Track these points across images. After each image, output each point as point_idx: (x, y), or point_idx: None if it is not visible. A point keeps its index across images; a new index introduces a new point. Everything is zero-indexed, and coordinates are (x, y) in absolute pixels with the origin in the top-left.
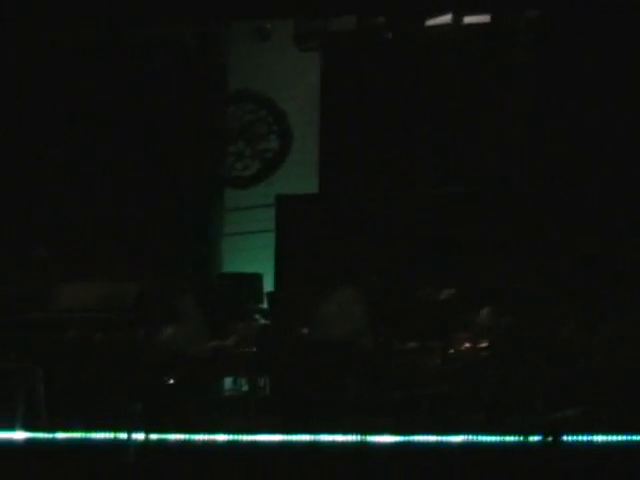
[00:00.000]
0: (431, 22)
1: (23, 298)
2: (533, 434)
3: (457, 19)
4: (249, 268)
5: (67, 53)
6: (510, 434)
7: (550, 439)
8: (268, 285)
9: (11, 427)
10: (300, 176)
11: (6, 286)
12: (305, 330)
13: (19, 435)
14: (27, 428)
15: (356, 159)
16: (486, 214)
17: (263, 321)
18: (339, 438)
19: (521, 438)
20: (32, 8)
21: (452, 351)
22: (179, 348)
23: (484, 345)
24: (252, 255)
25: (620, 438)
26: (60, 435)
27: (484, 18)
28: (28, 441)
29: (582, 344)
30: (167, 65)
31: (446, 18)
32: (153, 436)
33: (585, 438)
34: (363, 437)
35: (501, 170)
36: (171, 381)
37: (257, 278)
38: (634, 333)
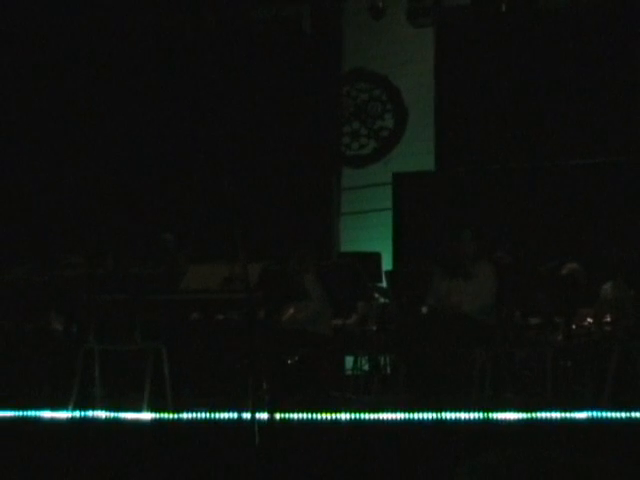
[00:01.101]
0: None
1: (150, 280)
2: None
3: None
4: (367, 247)
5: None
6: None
7: None
8: (386, 264)
9: (138, 408)
10: (416, 153)
11: (134, 269)
12: (429, 307)
13: (145, 416)
14: (153, 409)
15: (471, 135)
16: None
17: (382, 300)
18: (464, 415)
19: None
20: None
21: (575, 327)
22: (302, 327)
23: (607, 319)
24: (369, 234)
25: None
26: (185, 415)
27: None
28: (154, 422)
29: None
30: (284, 45)
31: None
32: (277, 416)
33: None
34: (487, 414)
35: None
36: (294, 360)
37: (376, 257)
38: None
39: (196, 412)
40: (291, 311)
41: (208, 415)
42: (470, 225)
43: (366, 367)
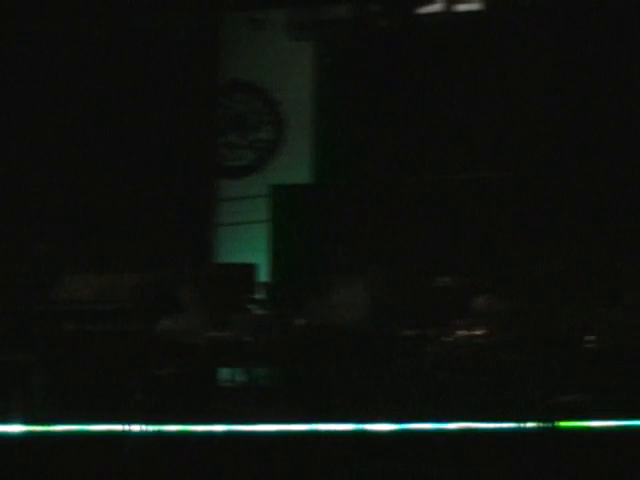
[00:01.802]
0: (425, 10)
1: (23, 290)
2: (530, 420)
3: (449, 6)
4: (242, 258)
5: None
6: (507, 420)
7: (546, 425)
8: (262, 276)
9: (9, 420)
10: (294, 166)
11: (6, 278)
12: (304, 319)
13: (17, 428)
14: (26, 421)
15: (350, 148)
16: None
17: (258, 311)
18: (338, 427)
19: (518, 424)
20: None
21: (451, 338)
22: (179, 338)
23: (484, 332)
24: (245, 245)
25: (617, 423)
26: (58, 427)
27: (477, 5)
28: (26, 434)
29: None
30: (161, 56)
31: (439, 6)
32: (152, 427)
33: (581, 424)
34: (361, 425)
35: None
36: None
37: (251, 268)
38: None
39: (73, 424)
40: (168, 322)
41: (82, 427)
42: (344, 239)
43: (242, 378)
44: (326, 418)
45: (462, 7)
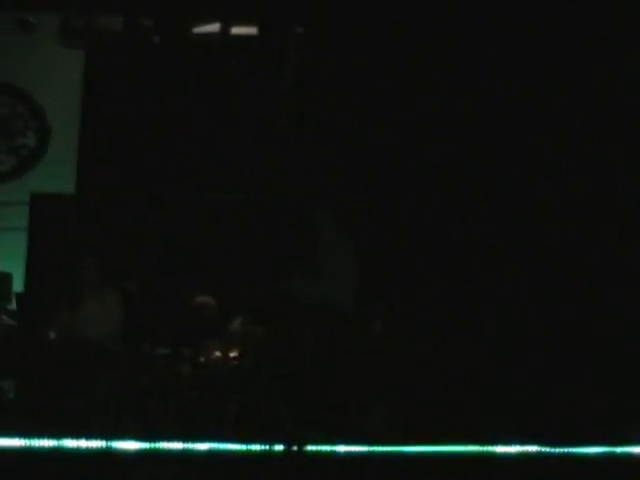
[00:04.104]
0: (200, 29)
1: None
2: (278, 443)
3: (225, 28)
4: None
5: None
6: (255, 442)
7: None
8: (17, 285)
9: None
10: (57, 175)
11: None
12: (55, 332)
13: None
14: None
15: (115, 160)
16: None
17: (10, 322)
18: (84, 443)
19: (266, 447)
20: None
21: (203, 359)
22: None
23: (234, 354)
24: (1, 253)
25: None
26: None
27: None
28: None
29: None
30: None
31: (215, 27)
32: None
33: (329, 448)
34: (108, 442)
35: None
36: None
37: (6, 277)
38: None
39: None
40: None
41: None
42: (94, 251)
43: None
44: (70, 434)
45: (236, 30)
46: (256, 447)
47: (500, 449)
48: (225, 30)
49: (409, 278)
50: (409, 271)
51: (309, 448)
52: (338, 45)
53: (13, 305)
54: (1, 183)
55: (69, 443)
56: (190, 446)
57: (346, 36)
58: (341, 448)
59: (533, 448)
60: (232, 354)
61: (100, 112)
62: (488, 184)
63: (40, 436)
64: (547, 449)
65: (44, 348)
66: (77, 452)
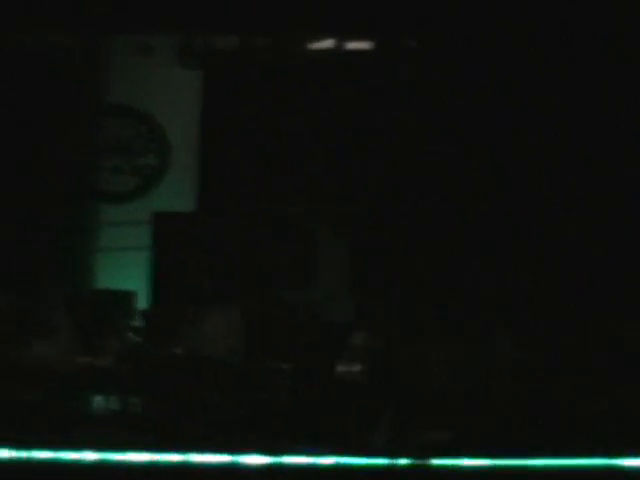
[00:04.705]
0: (314, 46)
1: None
2: (402, 456)
3: (339, 44)
4: (123, 285)
5: None
6: (378, 456)
7: (419, 462)
8: (142, 303)
9: None
10: (179, 193)
11: None
12: (179, 348)
13: None
14: None
15: (235, 177)
16: None
17: (136, 339)
18: (209, 458)
19: (389, 460)
20: None
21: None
22: (48, 364)
23: (357, 368)
24: (126, 271)
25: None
26: None
27: (367, 44)
28: None
29: None
30: (47, 77)
31: (329, 42)
32: (22, 454)
33: (454, 462)
34: (233, 457)
35: None
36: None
37: (131, 295)
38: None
39: None
40: (35, 347)
41: None
42: (222, 268)
43: (116, 405)
44: (196, 448)
45: (351, 45)
46: (380, 461)
47: None
48: (339, 46)
49: None
50: None
51: (435, 462)
52: (452, 57)
53: (138, 322)
54: (125, 203)
55: (195, 458)
56: (314, 461)
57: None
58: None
59: None
60: (354, 368)
61: (219, 130)
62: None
63: (167, 450)
64: None
65: (169, 363)
66: (203, 466)
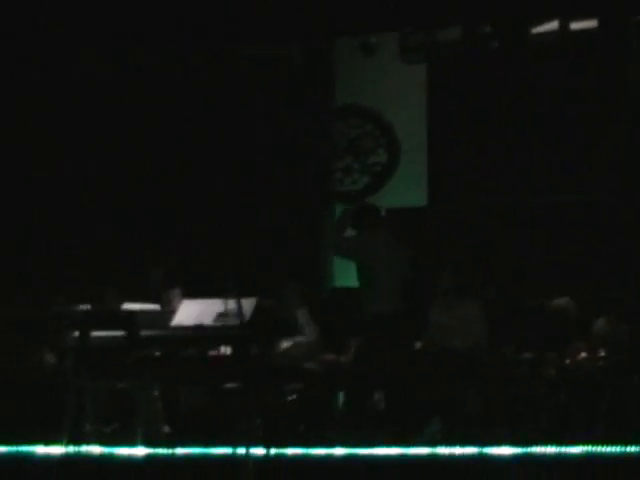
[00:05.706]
0: (537, 29)
1: (143, 316)
2: None
3: (564, 25)
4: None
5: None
6: (632, 444)
7: None
8: None
9: (132, 444)
10: (409, 189)
11: (126, 305)
12: (421, 343)
13: (139, 451)
14: (147, 444)
15: (464, 170)
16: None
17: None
18: (457, 451)
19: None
20: None
21: (569, 361)
22: (296, 363)
23: (602, 354)
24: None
25: None
26: (179, 451)
27: (592, 24)
28: (148, 457)
29: None
30: (276, 83)
31: (553, 25)
32: (272, 451)
33: None
34: (481, 449)
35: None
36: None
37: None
38: None
39: (190, 447)
40: (284, 347)
41: (202, 451)
42: (451, 261)
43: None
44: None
45: (574, 25)
46: (632, 449)
47: None
48: (564, 26)
49: None
50: None
51: None
52: None
53: None
54: (357, 201)
55: (442, 451)
56: (564, 450)
57: None
58: None
59: None
60: (600, 354)
61: (445, 123)
62: None
63: (413, 445)
64: None
65: (414, 358)
66: (450, 459)
